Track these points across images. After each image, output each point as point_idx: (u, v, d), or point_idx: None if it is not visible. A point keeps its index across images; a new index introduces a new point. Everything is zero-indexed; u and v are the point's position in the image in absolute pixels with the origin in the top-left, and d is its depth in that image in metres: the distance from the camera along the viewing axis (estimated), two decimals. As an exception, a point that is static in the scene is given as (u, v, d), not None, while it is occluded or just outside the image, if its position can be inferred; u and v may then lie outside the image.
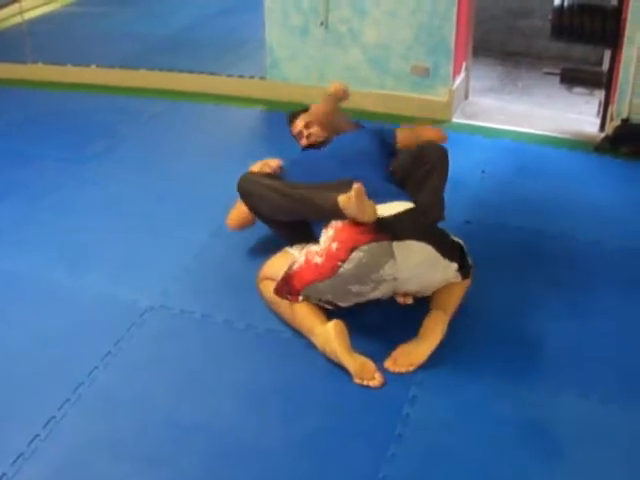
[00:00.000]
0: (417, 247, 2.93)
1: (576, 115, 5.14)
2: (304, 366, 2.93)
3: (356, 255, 2.86)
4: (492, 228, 3.78)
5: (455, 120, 5.03)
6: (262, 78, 5.44)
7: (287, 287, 3.02)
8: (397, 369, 2.89)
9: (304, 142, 3.76)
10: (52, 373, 2.91)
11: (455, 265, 3.05)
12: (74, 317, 3.23)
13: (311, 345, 2.99)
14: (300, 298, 3.00)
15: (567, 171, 4.39)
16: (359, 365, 2.81)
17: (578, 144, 4.70)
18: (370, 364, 2.83)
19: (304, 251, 3.07)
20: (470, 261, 3.14)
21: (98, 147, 4.78)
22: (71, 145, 4.84)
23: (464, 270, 3.10)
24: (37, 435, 2.61)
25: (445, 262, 3.00)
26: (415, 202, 3.17)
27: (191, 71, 5.72)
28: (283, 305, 3.08)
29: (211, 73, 5.68)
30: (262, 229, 3.59)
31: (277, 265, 3.18)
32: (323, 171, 3.30)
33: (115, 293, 3.36)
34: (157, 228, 3.87)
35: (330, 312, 3.02)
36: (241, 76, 5.58)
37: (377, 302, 3.05)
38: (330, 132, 3.69)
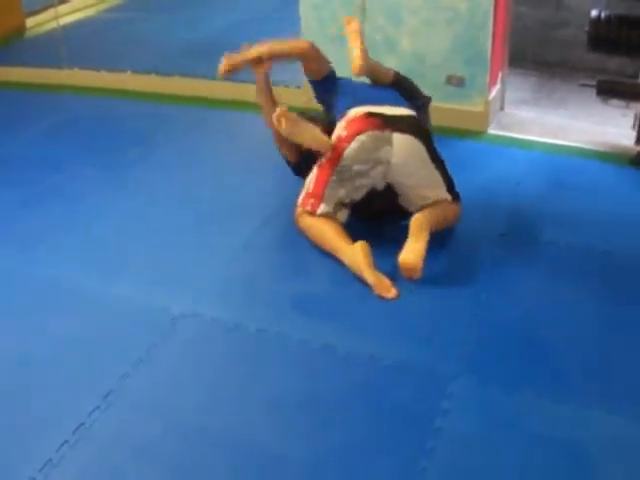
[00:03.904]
0: (412, 142, 3.53)
1: (612, 128, 5.07)
2: (334, 377, 2.91)
3: (360, 138, 3.50)
4: (527, 240, 3.74)
5: (490, 131, 4.99)
6: (297, 87, 5.43)
7: (309, 197, 3.60)
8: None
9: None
10: (83, 379, 2.92)
11: (444, 186, 3.62)
12: (105, 323, 3.23)
13: (343, 356, 2.98)
14: (322, 207, 3.54)
15: (602, 184, 4.33)
16: (378, 279, 3.30)
17: (613, 157, 4.64)
18: (387, 280, 3.32)
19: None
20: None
21: (133, 153, 4.79)
22: (105, 151, 4.85)
23: (453, 192, 3.67)
24: (66, 441, 2.61)
25: (432, 167, 3.58)
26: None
27: (226, 78, 5.71)
28: (314, 230, 3.57)
29: (246, 81, 5.67)
30: (295, 238, 3.60)
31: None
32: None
33: (147, 299, 3.36)
34: (190, 235, 3.87)
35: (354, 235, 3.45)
36: (276, 85, 5.57)
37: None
38: None
